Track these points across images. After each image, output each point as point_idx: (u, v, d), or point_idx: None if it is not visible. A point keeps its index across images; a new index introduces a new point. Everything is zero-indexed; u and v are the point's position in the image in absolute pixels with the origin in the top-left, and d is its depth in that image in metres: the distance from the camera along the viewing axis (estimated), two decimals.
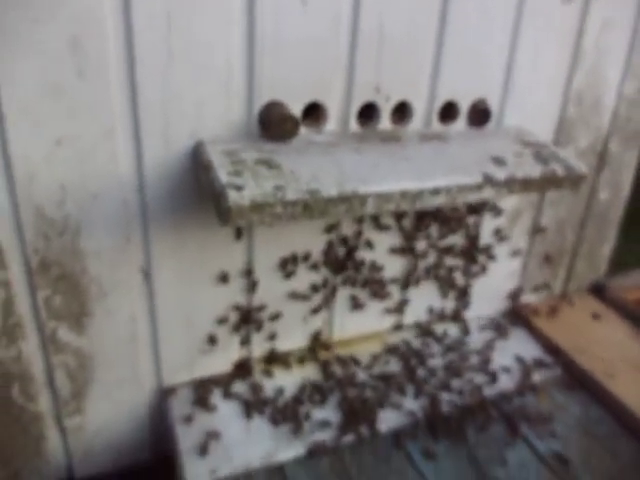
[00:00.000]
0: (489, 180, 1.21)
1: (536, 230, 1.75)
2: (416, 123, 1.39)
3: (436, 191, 1.16)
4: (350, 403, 1.40)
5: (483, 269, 1.71)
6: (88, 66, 1.03)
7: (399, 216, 1.49)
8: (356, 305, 1.57)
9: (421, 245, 1.57)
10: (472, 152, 1.31)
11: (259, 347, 1.50)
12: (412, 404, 1.44)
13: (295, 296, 1.47)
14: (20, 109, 1.02)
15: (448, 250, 1.61)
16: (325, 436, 1.33)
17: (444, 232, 1.58)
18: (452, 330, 1.72)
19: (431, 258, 1.61)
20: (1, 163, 1.05)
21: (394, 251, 1.54)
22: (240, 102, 1.18)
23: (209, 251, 1.31)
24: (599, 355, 1.64)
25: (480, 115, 1.43)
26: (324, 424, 1.35)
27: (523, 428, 1.42)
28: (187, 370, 1.43)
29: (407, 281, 1.61)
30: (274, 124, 1.18)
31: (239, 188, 1.00)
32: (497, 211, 1.62)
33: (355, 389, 1.46)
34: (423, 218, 1.52)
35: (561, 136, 1.61)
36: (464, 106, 1.42)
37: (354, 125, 1.32)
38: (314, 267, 1.45)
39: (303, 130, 1.25)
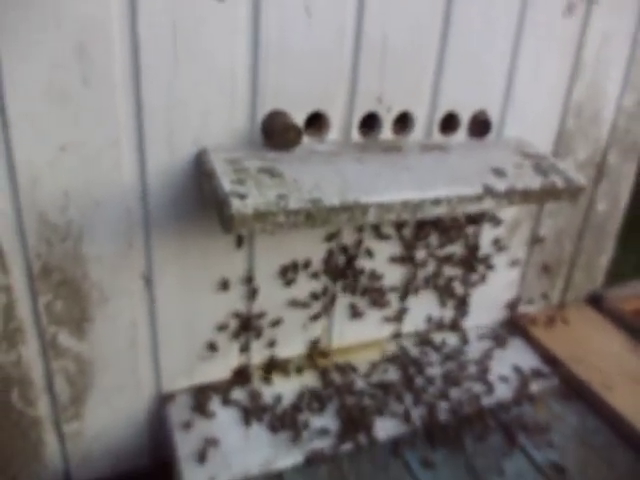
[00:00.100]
0: (489, 191, 1.22)
1: (535, 240, 1.76)
2: (417, 133, 1.40)
3: (437, 201, 1.17)
4: (348, 411, 1.41)
5: (482, 279, 1.72)
6: (93, 73, 1.04)
7: (399, 225, 1.50)
8: (355, 313, 1.57)
9: (421, 254, 1.58)
10: (472, 163, 1.32)
11: (258, 354, 1.51)
12: (411, 412, 1.44)
13: (295, 304, 1.47)
14: (25, 115, 1.03)
15: (447, 259, 1.62)
16: (323, 444, 1.33)
17: (443, 241, 1.59)
18: (451, 339, 1.73)
19: (430, 267, 1.62)
20: (5, 168, 1.06)
21: (394, 260, 1.54)
22: (244, 110, 1.19)
23: (210, 258, 1.32)
24: (596, 365, 1.64)
25: (480, 126, 1.44)
26: (323, 432, 1.36)
27: (521, 438, 1.42)
28: (186, 376, 1.44)
29: (406, 290, 1.61)
30: (277, 133, 1.19)
31: (242, 196, 1.01)
32: (496, 221, 1.63)
33: (353, 397, 1.46)
34: (423, 227, 1.53)
35: (560, 148, 1.62)
36: (465, 117, 1.43)
37: (356, 135, 1.33)
38: (314, 275, 1.46)
39: (306, 139, 1.26)
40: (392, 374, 1.56)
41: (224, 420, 1.37)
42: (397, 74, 1.29)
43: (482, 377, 1.58)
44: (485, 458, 1.37)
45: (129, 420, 1.43)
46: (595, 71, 1.55)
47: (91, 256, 1.20)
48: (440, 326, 1.75)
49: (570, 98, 1.56)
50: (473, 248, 1.65)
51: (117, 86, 1.07)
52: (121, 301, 1.28)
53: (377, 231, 1.48)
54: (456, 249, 1.62)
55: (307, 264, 1.44)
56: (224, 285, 1.36)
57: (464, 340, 1.73)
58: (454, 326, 1.77)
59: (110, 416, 1.40)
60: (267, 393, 1.45)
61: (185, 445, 1.30)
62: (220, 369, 1.47)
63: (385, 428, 1.39)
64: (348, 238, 1.45)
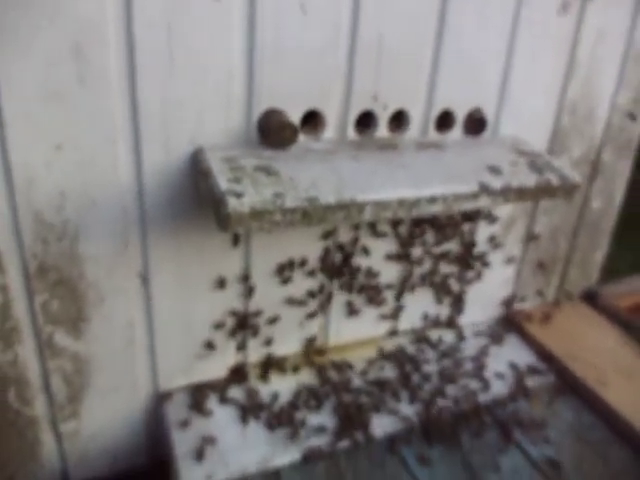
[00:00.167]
0: (485, 189, 1.22)
1: (530, 238, 1.77)
2: (413, 131, 1.40)
3: (433, 199, 1.17)
4: (345, 408, 1.41)
5: (478, 276, 1.72)
6: (89, 73, 1.04)
7: (395, 223, 1.50)
8: (352, 311, 1.58)
9: (417, 252, 1.58)
10: (468, 161, 1.33)
11: (255, 352, 1.51)
12: (407, 409, 1.44)
13: (291, 302, 1.47)
14: (21, 115, 1.02)
15: (443, 257, 1.63)
16: (321, 441, 1.33)
17: (439, 239, 1.59)
18: (447, 336, 1.74)
19: (426, 265, 1.62)
20: (0, 168, 1.06)
21: (390, 258, 1.55)
22: (239, 109, 1.19)
23: (207, 256, 1.32)
24: (591, 362, 1.65)
25: (476, 124, 1.44)
26: (320, 429, 1.36)
27: (516, 434, 1.43)
28: (183, 375, 1.44)
29: (402, 287, 1.62)
30: (273, 131, 1.19)
31: (239, 195, 1.01)
32: (492, 219, 1.64)
33: (350, 394, 1.47)
34: (419, 225, 1.53)
35: (555, 145, 1.63)
36: (460, 115, 1.44)
37: (352, 133, 1.33)
38: (311, 273, 1.46)
39: (302, 137, 1.26)
40: (389, 371, 1.57)
41: (221, 418, 1.38)
42: (392, 72, 1.30)
43: (478, 374, 1.59)
44: (481, 454, 1.37)
45: (126, 419, 1.43)
46: (590, 69, 1.56)
47: (87, 255, 1.20)
48: (436, 323, 1.75)
49: (565, 96, 1.56)
50: (469, 245, 1.65)
51: (113, 86, 1.07)
52: (117, 300, 1.28)
53: (373, 229, 1.48)
54: (452, 246, 1.63)
55: (303, 262, 1.44)
56: (221, 283, 1.36)
57: (460, 337, 1.74)
58: (450, 323, 1.77)
59: (107, 415, 1.40)
60: (264, 391, 1.46)
61: (182, 443, 1.30)
62: (217, 367, 1.47)
63: (382, 425, 1.40)
64: (344, 236, 1.46)
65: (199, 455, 1.27)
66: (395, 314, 1.66)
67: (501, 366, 1.64)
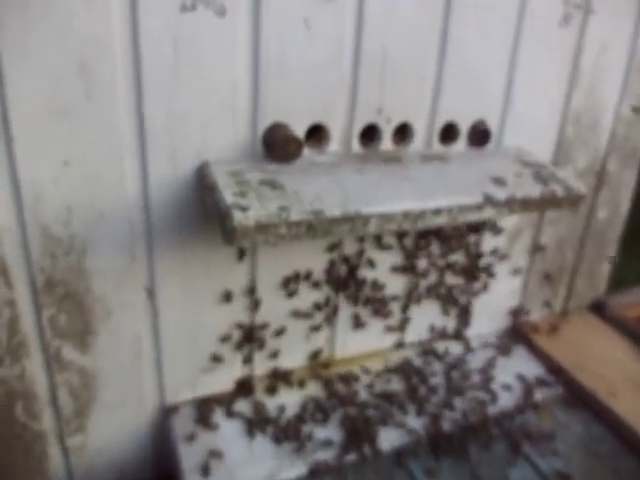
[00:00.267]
0: (490, 200, 1.22)
1: (536, 249, 1.76)
2: (417, 144, 1.41)
3: (438, 211, 1.18)
4: (352, 422, 1.40)
5: (484, 287, 1.72)
6: (96, 88, 1.05)
7: (400, 235, 1.50)
8: (358, 323, 1.58)
9: (422, 264, 1.58)
10: (472, 172, 1.33)
11: (261, 365, 1.51)
12: (414, 422, 1.44)
13: (297, 314, 1.47)
14: (28, 130, 1.03)
15: (449, 268, 1.63)
16: (327, 455, 1.33)
17: (445, 251, 1.59)
18: (454, 348, 1.73)
19: (432, 276, 1.62)
20: (9, 183, 1.07)
21: (395, 270, 1.55)
22: (245, 124, 1.20)
23: (213, 270, 1.32)
24: (600, 373, 1.64)
25: (480, 136, 1.45)
26: (326, 443, 1.35)
27: (525, 447, 1.42)
28: (190, 388, 1.44)
29: (409, 299, 1.62)
30: (278, 145, 1.20)
31: (244, 209, 1.02)
32: (497, 230, 1.64)
33: (357, 408, 1.46)
34: (424, 237, 1.53)
35: (560, 156, 1.63)
36: (464, 127, 1.44)
37: (356, 146, 1.34)
38: (316, 286, 1.46)
39: (306, 151, 1.27)
40: (395, 384, 1.56)
41: (228, 432, 1.37)
42: (396, 85, 1.30)
43: (486, 386, 1.58)
44: (490, 467, 1.36)
45: (133, 433, 1.43)
46: (593, 79, 1.56)
47: (94, 269, 1.21)
48: (443, 335, 1.75)
49: (569, 107, 1.57)
50: (475, 257, 1.65)
51: (119, 101, 1.08)
52: (124, 314, 1.28)
53: (378, 241, 1.48)
54: (458, 258, 1.63)
55: (309, 275, 1.44)
56: (227, 296, 1.36)
57: (467, 349, 1.73)
58: (457, 335, 1.77)
59: (114, 429, 1.40)
60: (270, 404, 1.45)
61: (189, 457, 1.29)
62: (223, 381, 1.47)
63: (389, 438, 1.39)
64: (349, 248, 1.46)
65: (205, 469, 1.26)
66: (401, 326, 1.66)
67: (509, 378, 1.63)
